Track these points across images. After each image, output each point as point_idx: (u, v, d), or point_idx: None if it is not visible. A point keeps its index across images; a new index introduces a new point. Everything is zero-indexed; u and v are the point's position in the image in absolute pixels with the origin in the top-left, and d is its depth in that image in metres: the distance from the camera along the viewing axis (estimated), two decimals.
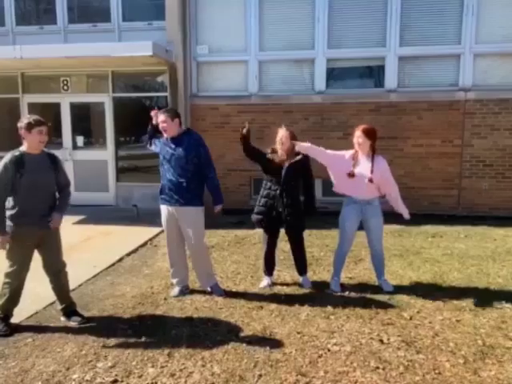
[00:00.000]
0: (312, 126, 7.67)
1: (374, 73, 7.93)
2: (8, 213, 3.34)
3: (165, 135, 3.99)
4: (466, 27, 7.35)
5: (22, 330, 3.50)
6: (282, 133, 4.17)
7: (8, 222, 3.32)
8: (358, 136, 4.01)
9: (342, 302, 3.98)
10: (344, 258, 4.38)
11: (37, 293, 4.22)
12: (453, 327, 3.48)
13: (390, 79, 7.64)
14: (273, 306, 3.89)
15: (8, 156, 3.30)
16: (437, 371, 2.87)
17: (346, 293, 4.20)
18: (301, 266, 4.44)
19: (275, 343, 3.25)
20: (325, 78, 7.81)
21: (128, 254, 5.58)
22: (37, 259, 3.54)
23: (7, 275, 3.43)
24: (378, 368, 2.91)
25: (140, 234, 6.49)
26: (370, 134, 4.00)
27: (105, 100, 8.49)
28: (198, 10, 8.01)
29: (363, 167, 4.02)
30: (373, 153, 4.05)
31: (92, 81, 8.73)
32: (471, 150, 7.53)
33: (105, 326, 3.54)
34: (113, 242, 6.19)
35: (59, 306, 3.71)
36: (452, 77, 7.53)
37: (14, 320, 3.62)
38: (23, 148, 3.39)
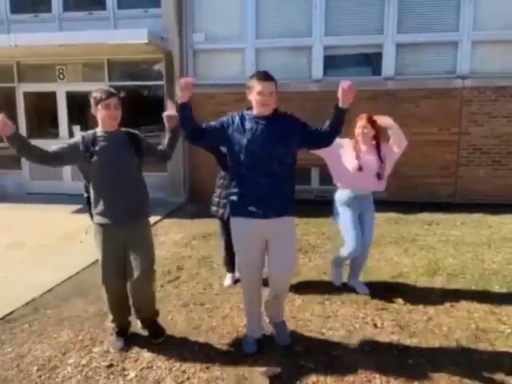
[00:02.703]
0: (309, 114, 7.56)
1: (371, 60, 7.87)
2: (93, 209, 2.91)
3: (260, 110, 2.72)
4: (464, 14, 7.29)
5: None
6: None
7: (95, 219, 2.91)
8: (361, 126, 3.70)
9: (336, 288, 4.00)
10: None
11: (34, 280, 4.25)
12: (446, 312, 3.51)
13: (388, 67, 7.60)
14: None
15: (80, 133, 2.92)
16: (430, 355, 2.90)
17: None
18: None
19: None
20: (322, 66, 7.77)
21: None
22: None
23: (101, 286, 3.00)
24: (371, 352, 2.94)
25: None
26: (374, 122, 3.70)
27: None
28: None
29: (369, 159, 3.66)
30: (377, 143, 3.73)
31: (88, 69, 8.66)
32: (468, 137, 7.51)
33: (102, 313, 3.56)
34: None
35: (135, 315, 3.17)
36: (449, 64, 7.49)
37: (10, 307, 3.64)
38: (97, 128, 2.91)
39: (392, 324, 3.30)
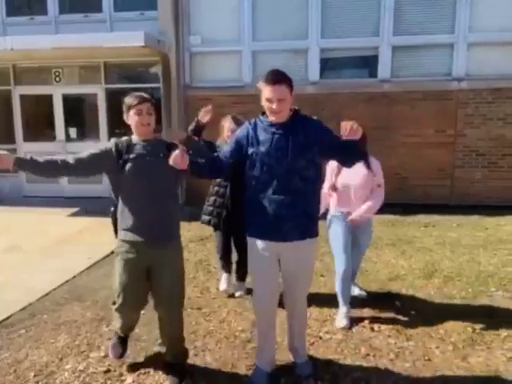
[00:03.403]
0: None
1: (367, 63, 7.91)
2: (119, 224, 2.61)
3: (272, 119, 2.42)
4: (460, 16, 7.34)
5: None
6: (227, 125, 3.70)
7: (120, 235, 2.60)
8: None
9: (334, 292, 4.00)
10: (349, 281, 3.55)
11: (30, 284, 4.24)
12: (443, 315, 3.52)
13: (384, 69, 7.63)
14: None
15: (112, 141, 2.64)
16: (426, 358, 2.91)
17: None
18: (244, 271, 3.88)
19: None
20: (318, 68, 7.80)
21: None
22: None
23: (116, 307, 2.69)
24: (368, 355, 2.95)
25: None
26: (364, 133, 3.34)
27: (97, 91, 8.43)
28: None
29: (350, 175, 3.31)
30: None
31: (84, 72, 8.65)
32: (464, 139, 7.55)
33: (99, 317, 3.55)
34: (106, 234, 6.18)
35: (163, 348, 2.87)
36: (445, 66, 7.53)
37: (7, 312, 3.63)
38: (133, 136, 2.64)
39: (389, 327, 3.31)
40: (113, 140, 2.63)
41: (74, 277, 4.52)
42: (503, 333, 3.22)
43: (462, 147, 7.58)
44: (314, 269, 2.63)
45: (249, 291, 3.75)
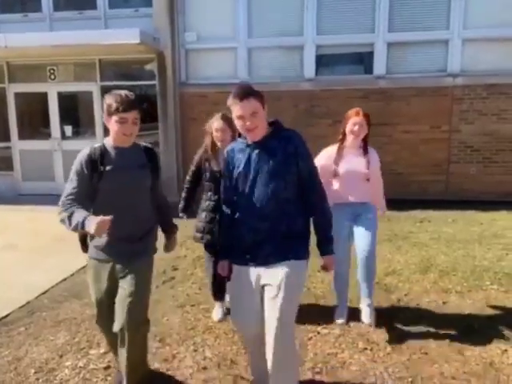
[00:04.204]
0: (301, 113, 7.68)
1: (363, 59, 7.93)
2: (89, 241, 2.43)
3: (249, 138, 2.22)
4: (455, 12, 7.37)
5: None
6: (217, 124, 3.30)
7: (91, 253, 2.43)
8: (358, 122, 3.17)
9: (330, 288, 4.04)
10: (346, 280, 3.44)
11: (28, 282, 4.25)
12: (439, 309, 3.57)
13: (379, 65, 7.66)
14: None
15: (82, 153, 2.30)
16: (423, 351, 2.95)
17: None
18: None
19: None
20: (314, 65, 7.81)
21: None
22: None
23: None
24: (365, 349, 2.99)
25: None
26: (369, 120, 3.24)
27: (93, 89, 8.41)
28: None
29: (353, 162, 3.23)
30: (365, 144, 3.30)
31: (79, 69, 8.62)
32: (459, 135, 7.60)
33: None
34: None
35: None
36: (440, 62, 7.56)
37: (6, 310, 3.64)
38: (108, 139, 2.36)
39: (386, 322, 3.34)
40: (86, 150, 2.30)
41: (72, 274, 4.53)
42: (498, 326, 3.26)
43: (457, 143, 7.63)
44: (299, 301, 2.25)
45: None
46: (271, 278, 2.16)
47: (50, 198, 8.33)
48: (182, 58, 8.09)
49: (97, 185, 2.27)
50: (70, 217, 2.15)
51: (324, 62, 7.91)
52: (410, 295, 3.85)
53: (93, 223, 2.01)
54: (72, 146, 8.56)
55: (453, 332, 3.19)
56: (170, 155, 8.05)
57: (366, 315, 3.32)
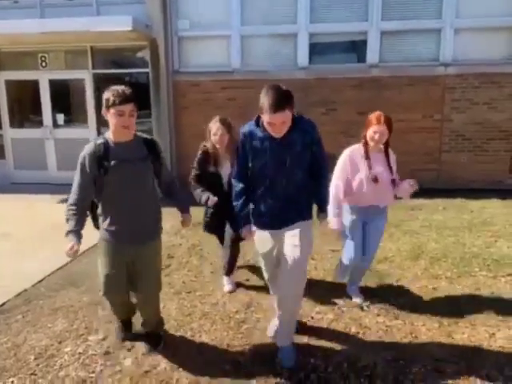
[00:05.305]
0: (295, 101, 7.67)
1: (356, 48, 7.93)
2: (101, 223, 2.68)
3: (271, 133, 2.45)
4: (447, 1, 7.37)
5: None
6: (216, 127, 3.48)
7: (103, 234, 2.67)
8: (378, 131, 3.10)
9: (324, 273, 4.12)
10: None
11: (24, 271, 4.27)
12: (429, 294, 3.67)
13: (372, 54, 7.67)
14: (259, 278, 4.00)
15: (87, 148, 2.51)
16: (413, 335, 3.04)
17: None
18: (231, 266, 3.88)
19: (261, 313, 3.38)
20: (308, 53, 7.79)
21: None
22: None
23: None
24: (358, 333, 3.08)
25: None
26: (391, 125, 3.18)
27: (85, 76, 8.33)
28: None
29: (381, 166, 3.23)
30: (386, 148, 3.29)
31: (71, 57, 8.52)
32: (451, 124, 7.67)
33: (95, 302, 3.61)
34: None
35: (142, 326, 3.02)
36: (433, 51, 7.59)
37: (2, 298, 3.67)
38: (108, 134, 2.55)
39: (378, 307, 3.43)
40: (89, 146, 2.52)
41: (68, 263, 4.55)
42: (486, 310, 3.36)
43: (448, 132, 7.70)
44: (311, 245, 2.70)
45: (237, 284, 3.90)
46: (289, 231, 2.61)
47: (43, 187, 8.34)
48: (175, 45, 8.03)
49: (103, 179, 2.48)
50: (67, 220, 2.60)
51: (317, 50, 7.89)
52: (401, 281, 3.94)
53: (68, 246, 2.49)
54: (64, 135, 8.52)
55: (442, 316, 3.28)
56: (163, 143, 8.03)
57: (359, 297, 3.56)
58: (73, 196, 2.56)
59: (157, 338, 2.94)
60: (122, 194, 2.53)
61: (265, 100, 2.30)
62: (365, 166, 3.19)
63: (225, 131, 3.46)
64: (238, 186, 2.70)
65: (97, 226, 2.77)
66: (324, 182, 2.75)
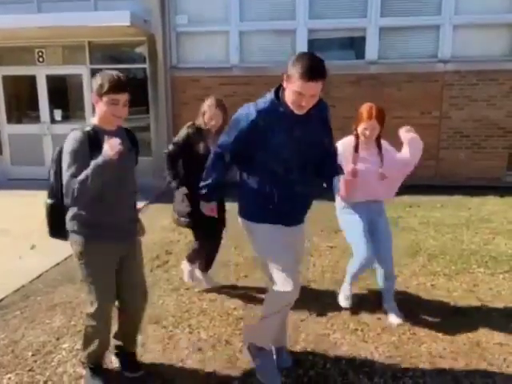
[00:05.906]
0: None
1: (355, 44, 7.93)
2: (77, 220, 2.31)
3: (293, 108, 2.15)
4: None
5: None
6: (210, 109, 3.34)
7: (77, 237, 2.33)
8: (368, 127, 3.03)
9: (322, 271, 4.12)
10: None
11: (22, 267, 4.26)
12: (427, 291, 3.67)
13: (371, 51, 7.66)
14: (258, 274, 4.00)
15: (75, 134, 2.20)
16: (412, 331, 3.05)
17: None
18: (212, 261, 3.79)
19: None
20: (306, 50, 7.75)
21: None
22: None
23: (90, 315, 2.39)
24: (356, 330, 3.08)
25: None
26: (383, 118, 3.11)
27: (82, 72, 8.29)
28: None
29: (367, 162, 3.10)
30: (378, 141, 3.18)
31: (68, 52, 8.48)
32: (449, 121, 7.68)
33: None
34: None
35: (116, 342, 2.66)
36: (431, 48, 7.59)
37: (1, 294, 3.66)
38: (94, 120, 2.29)
39: (376, 304, 3.43)
40: (76, 133, 2.20)
41: (66, 259, 4.53)
42: (484, 307, 3.38)
43: (446, 129, 7.71)
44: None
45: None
46: (296, 236, 2.47)
47: (40, 183, 8.23)
48: (173, 41, 8.00)
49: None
50: (83, 181, 2.07)
51: (316, 46, 7.87)
52: (399, 278, 3.92)
53: (105, 150, 2.07)
54: (62, 130, 8.45)
55: (440, 313, 3.29)
56: (162, 139, 8.01)
57: (395, 314, 3.22)
58: (68, 174, 2.13)
59: (135, 361, 2.67)
60: (111, 185, 2.22)
61: (298, 66, 2.00)
62: (351, 159, 3.07)
63: (221, 117, 3.34)
64: (219, 160, 2.37)
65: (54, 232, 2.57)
66: (335, 158, 2.48)
